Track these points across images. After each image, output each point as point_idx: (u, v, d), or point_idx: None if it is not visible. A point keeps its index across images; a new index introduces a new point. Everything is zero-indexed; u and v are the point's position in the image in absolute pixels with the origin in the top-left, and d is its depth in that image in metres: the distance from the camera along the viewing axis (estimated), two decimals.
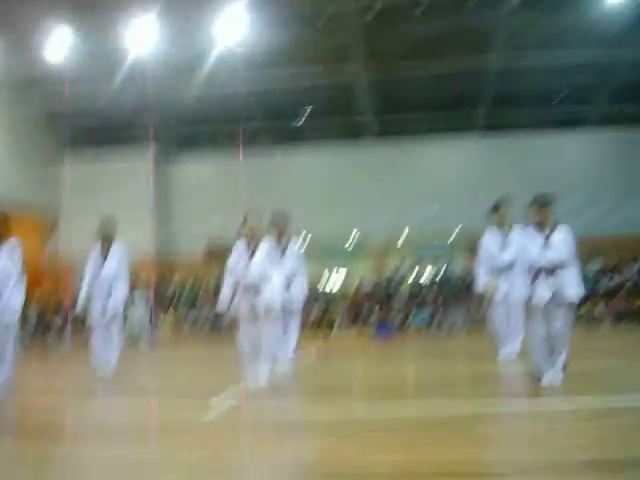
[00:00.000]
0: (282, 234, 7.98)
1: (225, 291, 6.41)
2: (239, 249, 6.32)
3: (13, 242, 6.13)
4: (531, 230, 5.65)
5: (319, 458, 3.43)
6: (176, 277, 21.10)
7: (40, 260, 21.76)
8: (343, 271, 22.82)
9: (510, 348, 7.51)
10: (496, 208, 7.73)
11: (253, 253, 6.19)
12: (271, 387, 6.21)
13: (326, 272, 22.60)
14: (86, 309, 8.28)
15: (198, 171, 22.01)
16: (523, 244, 5.63)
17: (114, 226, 8.59)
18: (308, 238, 18.94)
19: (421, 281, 19.04)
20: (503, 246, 7.52)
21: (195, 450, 3.67)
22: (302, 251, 8.11)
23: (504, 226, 7.63)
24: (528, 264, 5.48)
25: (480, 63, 16.90)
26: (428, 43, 16.31)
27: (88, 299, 8.28)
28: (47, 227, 21.67)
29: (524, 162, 19.33)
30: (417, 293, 17.38)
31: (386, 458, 3.28)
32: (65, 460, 3.65)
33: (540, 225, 5.58)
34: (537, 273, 5.41)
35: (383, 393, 5.77)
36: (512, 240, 7.34)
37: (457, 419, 4.32)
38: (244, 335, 6.28)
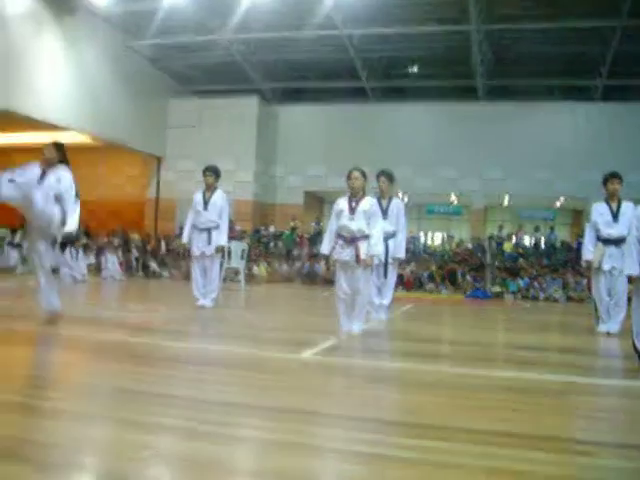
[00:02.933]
0: (385, 192, 8.03)
1: (325, 241, 6.48)
2: (341, 203, 6.35)
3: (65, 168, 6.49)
4: None
5: (404, 411, 3.47)
6: (274, 223, 21.49)
7: (146, 199, 22.64)
8: (441, 231, 22.66)
9: (611, 324, 7.29)
10: (607, 180, 7.44)
11: (355, 208, 6.21)
12: (364, 338, 6.28)
13: (424, 231, 22.50)
14: (189, 244, 8.69)
15: (302, 121, 22.10)
16: (637, 219, 5.39)
17: (218, 174, 8.81)
18: (407, 196, 18.83)
19: (520, 247, 18.65)
20: (612, 219, 7.26)
21: (282, 395, 3.77)
22: (403, 210, 8.11)
23: (614, 199, 7.35)
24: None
25: (604, 23, 15.99)
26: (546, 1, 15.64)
27: (190, 239, 8.67)
28: (151, 167, 22.44)
29: None
30: (515, 259, 17.02)
31: (471, 420, 3.28)
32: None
33: None
34: None
35: (474, 356, 5.75)
36: (623, 214, 7.09)
37: (547, 389, 4.27)
38: (341, 285, 6.35)
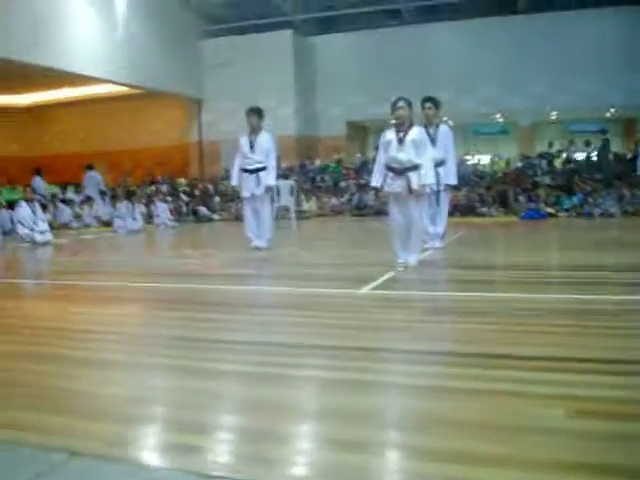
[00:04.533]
0: (432, 118, 7.88)
1: (376, 174, 6.39)
2: (388, 134, 6.23)
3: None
4: None
5: (465, 342, 3.46)
6: (319, 156, 21.38)
7: (189, 143, 22.70)
8: (489, 152, 22.22)
9: None
10: None
11: (404, 138, 6.09)
12: (420, 268, 6.25)
13: (471, 153, 22.11)
14: (238, 186, 8.72)
15: (338, 51, 21.67)
16: None
17: (261, 114, 8.71)
18: (452, 119, 18.43)
19: (572, 163, 18.18)
20: None
21: (343, 333, 3.79)
22: (451, 135, 7.96)
23: None
24: None
25: None
26: None
27: (239, 182, 8.68)
28: (191, 110, 22.40)
29: None
30: (568, 176, 16.62)
31: (533, 347, 3.27)
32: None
33: None
34: None
35: (531, 280, 5.69)
36: None
37: (593, 310, 4.22)
38: (395, 216, 6.31)
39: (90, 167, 18.35)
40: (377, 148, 6.57)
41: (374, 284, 5.40)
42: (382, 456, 2.13)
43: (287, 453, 2.14)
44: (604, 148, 18.01)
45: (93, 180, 18.13)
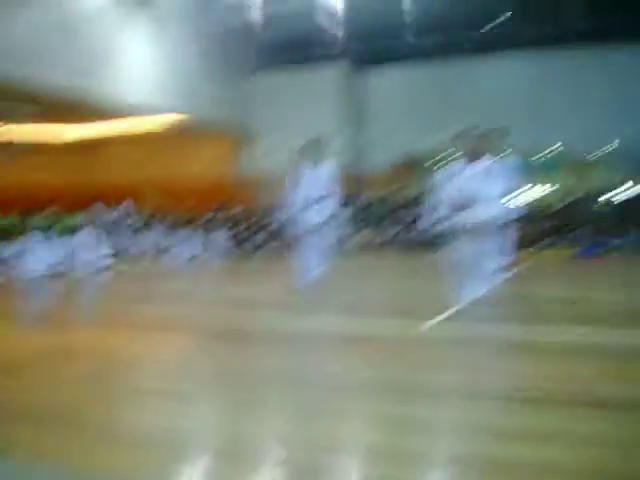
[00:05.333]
0: (493, 151, 7.72)
1: (437, 206, 6.25)
2: (453, 166, 6.10)
3: None
4: None
5: (535, 381, 3.29)
6: (369, 190, 21.28)
7: (231, 175, 22.87)
8: (543, 186, 21.82)
9: None
10: None
11: (469, 170, 5.95)
12: (481, 306, 6.06)
13: (525, 187, 21.72)
14: (289, 221, 8.61)
15: (391, 84, 21.66)
16: None
17: (322, 146, 8.62)
18: (510, 152, 18.15)
19: (630, 200, 17.69)
20: None
21: (396, 367, 3.66)
22: (514, 168, 7.79)
23: None
24: None
25: None
26: None
27: (292, 213, 8.57)
28: (237, 143, 22.63)
29: None
30: (628, 210, 16.15)
31: (613, 387, 3.08)
32: None
33: None
34: None
35: (602, 319, 5.46)
36: None
37: None
38: (453, 251, 6.14)
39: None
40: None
41: (436, 320, 5.23)
42: None
43: None
44: None
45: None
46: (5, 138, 17.30)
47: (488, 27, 20.43)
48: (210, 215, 20.19)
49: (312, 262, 8.56)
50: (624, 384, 3.19)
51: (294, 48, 21.51)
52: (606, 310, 5.84)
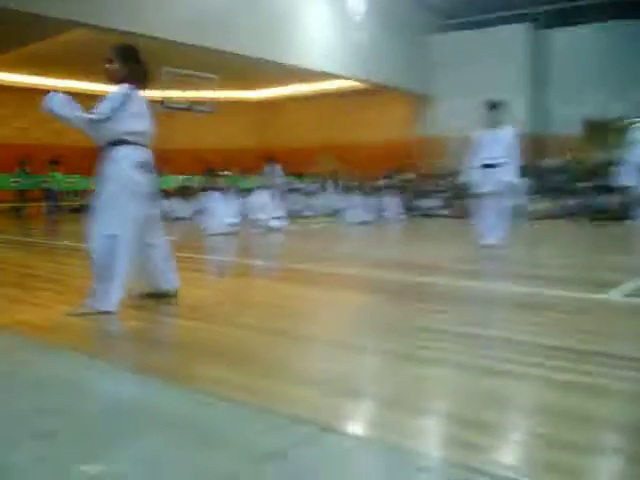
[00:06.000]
0: None
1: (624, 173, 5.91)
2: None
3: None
4: None
5: None
6: (551, 155, 20.41)
7: (416, 138, 22.76)
8: None
9: None
10: None
11: None
12: None
13: None
14: (470, 184, 8.50)
15: (576, 44, 20.44)
16: None
17: (503, 108, 8.38)
18: None
19: None
20: None
21: (581, 336, 3.54)
22: None
23: None
24: None
25: None
26: None
27: (473, 178, 8.44)
28: (418, 106, 22.42)
29: None
30: None
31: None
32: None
33: None
34: None
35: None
36: None
37: None
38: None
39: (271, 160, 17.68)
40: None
41: (620, 289, 5.00)
42: (597, 459, 2.00)
43: (500, 443, 2.10)
44: None
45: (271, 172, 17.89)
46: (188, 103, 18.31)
47: None
48: (386, 178, 20.31)
49: (491, 228, 8.42)
50: None
51: (477, 8, 20.91)
52: None
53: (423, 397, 2.54)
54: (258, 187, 13.16)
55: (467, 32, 21.07)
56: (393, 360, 3.10)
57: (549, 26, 21.06)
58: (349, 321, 4.13)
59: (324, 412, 2.29)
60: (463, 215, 15.00)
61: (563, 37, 20.78)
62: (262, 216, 12.28)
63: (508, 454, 2.04)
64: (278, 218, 12.38)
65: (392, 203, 16.19)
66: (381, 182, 19.30)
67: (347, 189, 16.55)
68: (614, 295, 4.78)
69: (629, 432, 2.19)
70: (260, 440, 2.04)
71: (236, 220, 12.09)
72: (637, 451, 2.01)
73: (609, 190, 13.05)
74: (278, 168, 16.20)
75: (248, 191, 13.89)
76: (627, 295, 4.84)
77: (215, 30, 14.64)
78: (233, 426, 2.19)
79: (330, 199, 17.72)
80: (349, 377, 2.79)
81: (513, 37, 20.41)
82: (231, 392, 2.50)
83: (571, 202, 16.83)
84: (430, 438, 2.14)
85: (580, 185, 17.56)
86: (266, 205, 12.49)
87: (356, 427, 2.26)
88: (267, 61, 16.30)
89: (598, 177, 17.21)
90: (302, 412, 2.26)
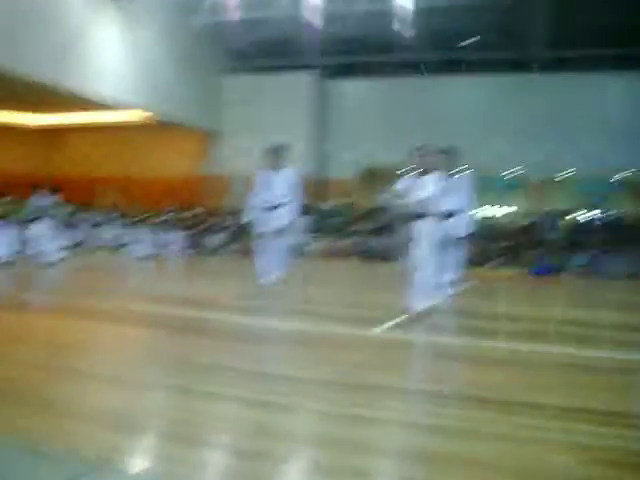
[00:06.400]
0: (449, 168, 7.96)
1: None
2: (405, 181, 6.26)
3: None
4: None
5: (476, 387, 3.51)
6: (329, 198, 21.53)
7: (202, 175, 22.88)
8: (500, 205, 22.35)
9: None
10: None
11: (420, 185, 6.13)
12: (431, 314, 6.21)
13: (482, 205, 22.20)
14: (251, 223, 8.77)
15: (355, 97, 21.97)
16: None
17: (285, 152, 8.79)
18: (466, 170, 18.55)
19: (582, 222, 18.33)
20: None
21: (349, 369, 3.83)
22: (469, 185, 8.04)
23: None
24: None
25: None
26: None
27: (256, 217, 8.72)
28: (206, 143, 22.66)
29: None
30: (578, 234, 16.71)
31: (541, 396, 3.32)
32: None
33: None
34: None
35: (539, 333, 5.76)
36: None
37: (601, 367, 4.26)
38: (407, 261, 6.27)
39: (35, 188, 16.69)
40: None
41: (384, 326, 5.44)
42: None
43: (280, 473, 2.23)
44: (612, 210, 18.21)
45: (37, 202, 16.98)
46: None
47: (454, 48, 20.85)
48: (171, 213, 20.15)
49: (270, 266, 8.72)
50: (530, 390, 3.44)
51: (267, 53, 21.66)
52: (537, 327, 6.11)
53: (201, 431, 2.60)
54: (35, 217, 12.43)
55: (258, 76, 21.72)
56: (173, 395, 3.14)
57: (333, 77, 22.36)
58: (130, 356, 4.10)
59: (100, 446, 2.30)
60: (247, 253, 15.31)
61: (345, 88, 22.19)
62: (41, 248, 11.63)
63: None
64: (59, 250, 11.78)
65: (177, 239, 16.10)
66: (166, 217, 19.13)
67: (132, 223, 16.21)
68: (378, 331, 5.19)
69: (401, 458, 2.42)
70: (35, 477, 2.01)
71: (12, 251, 11.34)
72: (411, 477, 2.23)
73: (380, 232, 14.03)
74: (51, 197, 15.45)
75: (28, 221, 13.10)
76: (389, 330, 5.28)
77: None
78: (4, 465, 2.12)
79: (115, 232, 17.21)
80: (127, 412, 2.79)
81: (299, 84, 21.40)
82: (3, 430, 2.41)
83: (346, 242, 17.84)
84: (207, 469, 2.21)
85: (354, 227, 18.71)
86: (44, 236, 11.85)
87: (133, 460, 2.28)
88: (50, 85, 15.51)
89: (371, 220, 18.47)
90: (78, 447, 2.25)
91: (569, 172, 21.09)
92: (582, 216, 19.04)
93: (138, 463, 2.27)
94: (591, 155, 19.07)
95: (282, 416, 2.84)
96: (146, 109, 18.90)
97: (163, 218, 19.03)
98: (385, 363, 4.13)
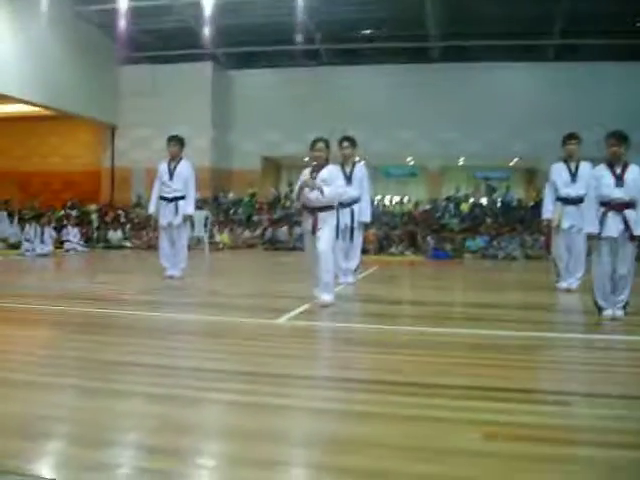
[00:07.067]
0: (348, 157, 8.10)
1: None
2: (305, 174, 6.27)
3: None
4: (602, 166, 5.58)
5: (383, 371, 3.61)
6: (232, 189, 21.44)
7: (101, 168, 22.30)
8: (398, 193, 22.89)
9: (571, 280, 7.56)
10: (565, 141, 7.62)
11: (315, 178, 6.14)
12: (335, 301, 6.30)
13: (381, 193, 22.68)
14: (155, 214, 8.70)
15: (256, 86, 21.87)
16: (594, 179, 5.59)
17: (182, 143, 8.75)
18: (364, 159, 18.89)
19: (478, 207, 19.05)
20: (570, 179, 7.47)
21: (257, 359, 3.87)
22: (367, 174, 8.19)
23: (572, 159, 7.53)
24: (599, 199, 5.45)
25: None
26: None
27: (157, 210, 8.65)
28: (106, 136, 22.07)
29: (597, 93, 18.60)
30: (474, 219, 17.37)
31: (447, 377, 3.45)
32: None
33: (612, 161, 5.49)
34: (607, 209, 5.39)
35: (441, 315, 5.97)
36: (581, 174, 7.28)
37: (503, 345, 4.46)
38: (310, 252, 6.31)
39: None
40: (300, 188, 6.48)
41: (290, 315, 5.50)
42: (291, 474, 2.25)
43: (191, 468, 2.24)
44: (507, 195, 19.03)
45: None
46: None
47: (356, 38, 21.13)
48: (71, 207, 19.59)
49: (174, 259, 8.67)
50: (437, 372, 3.60)
51: (166, 43, 21.23)
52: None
53: (106, 430, 2.56)
54: None
55: (156, 66, 21.27)
56: (77, 395, 3.09)
57: (232, 67, 22.20)
58: (31, 357, 3.96)
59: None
60: (147, 246, 15.10)
61: (247, 79, 22.08)
62: None
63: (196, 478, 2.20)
64: None
65: (74, 234, 15.63)
66: (63, 212, 18.55)
67: (26, 219, 15.60)
68: (284, 319, 5.26)
69: (311, 445, 2.48)
70: None
71: None
72: (326, 464, 2.27)
73: (284, 222, 14.13)
74: None
75: None
76: (295, 318, 5.37)
77: None
78: None
79: (8, 229, 16.50)
80: (27, 415, 2.71)
81: (200, 74, 21.11)
82: None
83: (248, 233, 17.86)
84: (113, 471, 2.18)
85: (258, 218, 18.75)
86: None
87: (35, 467, 2.22)
88: None
89: (274, 210, 18.54)
90: None
91: (466, 159, 21.84)
92: (479, 201, 19.79)
93: (40, 469, 2.21)
94: (488, 143, 19.81)
95: (189, 410, 2.83)
96: (38, 101, 18.19)
97: (62, 213, 18.47)
98: (292, 351, 4.18)
